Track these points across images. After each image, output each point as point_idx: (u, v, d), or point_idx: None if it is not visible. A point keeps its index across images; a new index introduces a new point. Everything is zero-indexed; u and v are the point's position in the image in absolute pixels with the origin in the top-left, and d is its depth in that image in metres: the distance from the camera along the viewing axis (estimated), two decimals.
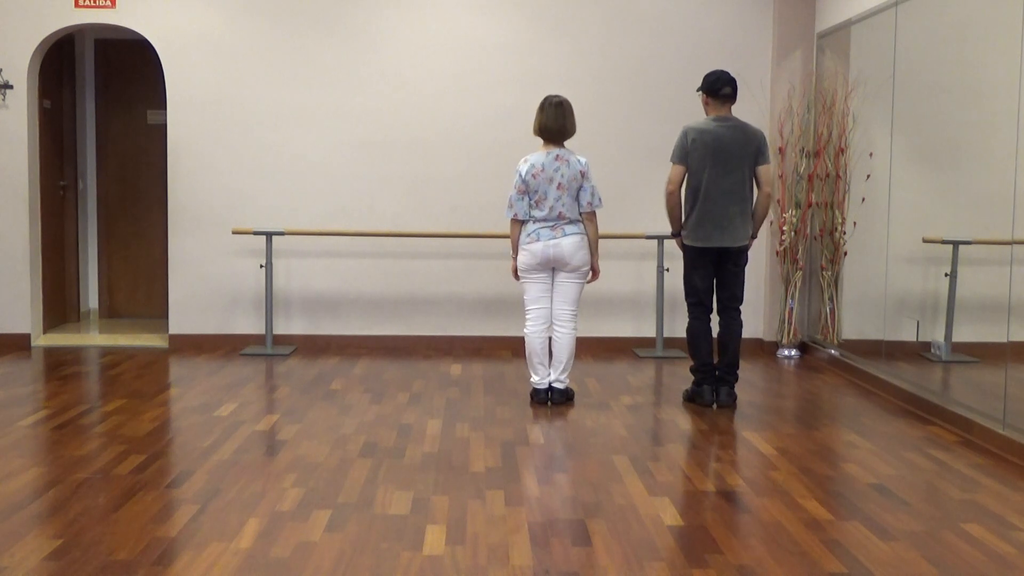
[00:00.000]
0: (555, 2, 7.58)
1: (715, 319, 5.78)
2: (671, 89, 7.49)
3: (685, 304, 5.83)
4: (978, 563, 3.39)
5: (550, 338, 5.72)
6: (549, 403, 5.71)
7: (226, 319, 7.66)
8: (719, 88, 5.60)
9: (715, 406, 5.69)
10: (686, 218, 5.67)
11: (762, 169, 5.61)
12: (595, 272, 5.74)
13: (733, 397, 5.71)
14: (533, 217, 5.57)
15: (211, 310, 7.65)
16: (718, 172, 5.54)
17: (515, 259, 5.69)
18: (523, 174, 5.53)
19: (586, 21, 7.59)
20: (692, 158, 5.57)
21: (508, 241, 5.84)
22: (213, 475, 4.28)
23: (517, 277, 5.73)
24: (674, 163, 5.61)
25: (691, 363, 5.81)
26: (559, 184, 5.51)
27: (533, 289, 5.67)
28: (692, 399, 5.76)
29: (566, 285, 5.66)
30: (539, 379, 5.71)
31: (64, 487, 4.09)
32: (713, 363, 5.72)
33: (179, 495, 4.02)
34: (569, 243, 5.55)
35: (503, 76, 7.58)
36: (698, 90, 5.74)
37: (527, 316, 5.70)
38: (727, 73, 5.64)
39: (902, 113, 6.14)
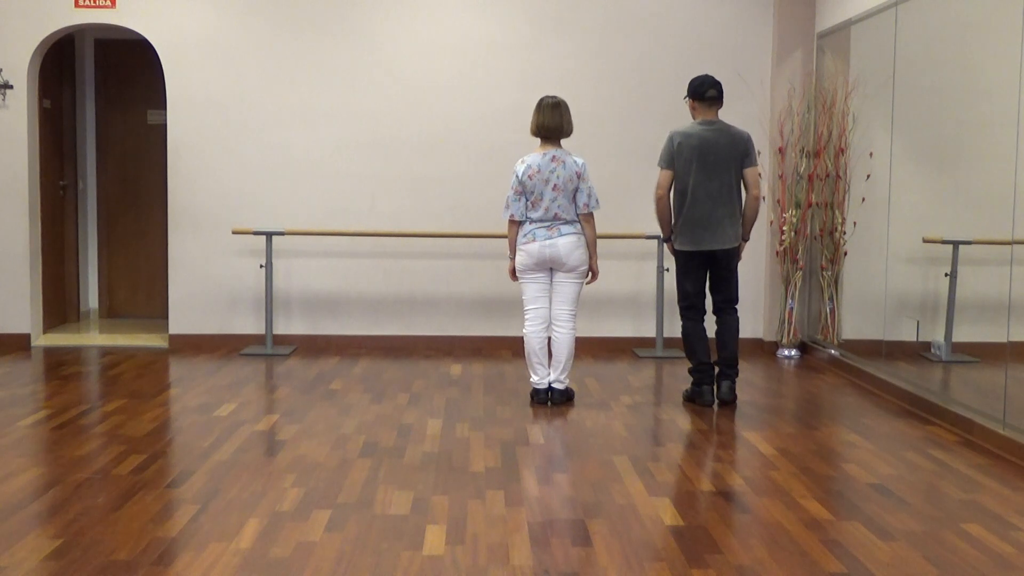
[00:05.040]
0: (555, 2, 7.58)
1: (709, 318, 5.79)
2: (671, 89, 7.48)
3: (680, 304, 5.81)
4: (978, 563, 3.39)
5: (549, 338, 5.72)
6: (549, 403, 5.71)
7: (226, 319, 7.66)
8: (704, 91, 5.63)
9: (716, 401, 5.70)
10: (674, 222, 5.70)
11: (749, 172, 5.63)
12: (594, 273, 5.75)
13: (734, 392, 5.72)
14: (530, 218, 5.58)
15: (211, 310, 7.65)
16: (705, 175, 5.56)
17: (512, 260, 5.69)
18: (519, 175, 5.54)
19: (586, 21, 7.59)
20: (678, 162, 5.60)
21: (508, 244, 5.83)
22: (213, 475, 4.28)
23: (515, 278, 5.73)
24: (661, 168, 5.65)
25: (689, 364, 5.81)
26: (555, 185, 5.51)
27: (531, 289, 5.67)
28: (692, 399, 5.76)
29: (564, 286, 5.67)
30: (538, 379, 5.71)
31: (64, 487, 4.09)
32: (711, 362, 5.72)
33: (179, 495, 4.02)
34: (565, 243, 5.55)
35: (503, 76, 7.58)
36: (685, 98, 5.80)
37: (526, 316, 5.70)
38: (711, 76, 5.71)
39: (902, 113, 6.14)
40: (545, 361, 5.71)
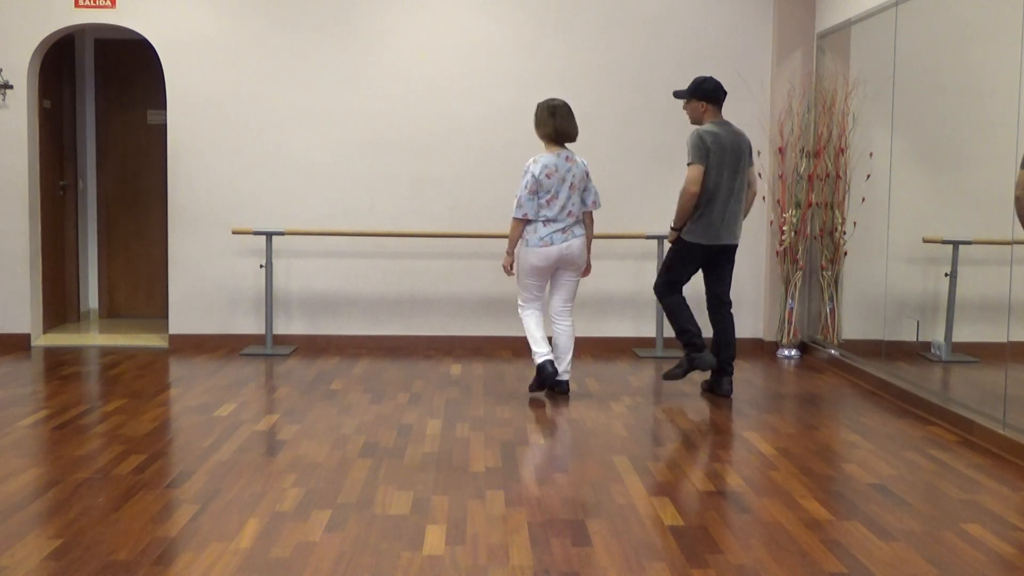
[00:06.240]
0: (555, 2, 7.58)
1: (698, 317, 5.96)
2: (671, 89, 7.46)
3: (665, 288, 5.91)
4: (978, 563, 3.39)
5: (547, 336, 5.87)
6: (549, 392, 5.88)
7: (226, 319, 7.66)
8: (719, 94, 5.82)
9: (703, 394, 5.86)
10: (693, 217, 5.76)
11: (751, 171, 5.90)
12: (588, 268, 5.93)
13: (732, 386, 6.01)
14: (544, 217, 5.67)
15: (211, 310, 7.65)
16: (727, 174, 5.74)
17: (511, 255, 5.80)
18: (536, 174, 5.63)
19: (586, 21, 7.59)
20: (710, 160, 5.71)
21: (508, 241, 5.86)
22: (213, 475, 4.28)
23: (510, 272, 5.85)
24: (696, 164, 5.70)
25: (680, 334, 5.88)
26: (571, 184, 5.68)
27: (535, 288, 5.84)
28: (699, 364, 5.82)
29: (568, 283, 5.87)
30: (545, 351, 5.79)
31: (64, 487, 4.09)
32: (696, 327, 5.86)
33: (179, 495, 4.02)
34: (578, 244, 5.77)
35: (503, 76, 7.58)
36: (684, 98, 5.89)
37: (526, 306, 5.89)
38: (716, 78, 5.90)
39: (902, 113, 6.14)
40: (545, 334, 5.86)
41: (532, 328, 5.83)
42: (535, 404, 5.74)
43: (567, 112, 5.73)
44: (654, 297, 7.51)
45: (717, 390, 5.92)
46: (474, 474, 4.35)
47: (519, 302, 5.91)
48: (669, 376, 6.01)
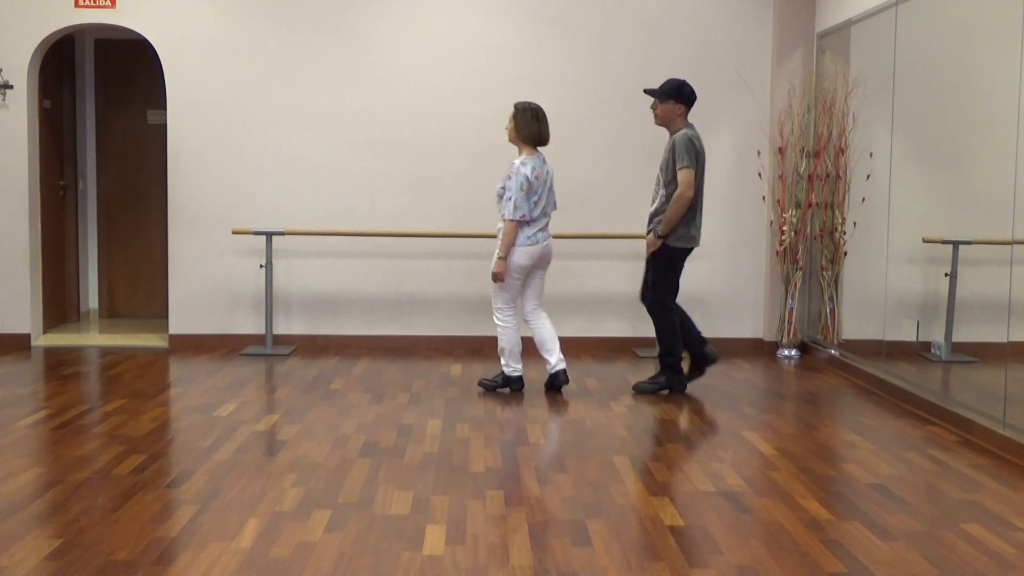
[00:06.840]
0: (555, 3, 7.58)
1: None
2: None
3: (663, 306, 5.99)
4: (978, 563, 3.39)
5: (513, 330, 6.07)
6: (550, 393, 5.87)
7: (226, 319, 7.66)
8: (695, 98, 5.89)
9: (692, 378, 6.06)
10: (684, 222, 5.79)
11: None
12: None
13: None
14: (532, 217, 5.76)
15: (211, 310, 7.65)
16: (702, 177, 5.85)
17: (505, 259, 5.80)
18: (529, 176, 5.72)
19: (585, 22, 7.59)
20: (697, 164, 5.76)
21: (502, 245, 5.87)
22: (213, 475, 4.28)
23: (502, 279, 5.83)
24: (690, 168, 5.74)
25: (665, 355, 6.00)
26: (550, 186, 5.86)
27: (516, 287, 5.95)
28: (675, 384, 6.01)
29: (539, 282, 6.04)
30: (521, 367, 6.01)
31: (64, 487, 4.09)
32: (681, 350, 6.06)
33: (179, 495, 4.02)
34: (551, 243, 5.99)
35: (502, 76, 7.57)
36: (659, 97, 5.87)
37: (508, 312, 5.96)
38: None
39: (902, 113, 6.14)
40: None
41: (514, 344, 5.95)
42: (535, 404, 5.75)
43: (545, 116, 5.86)
44: None
45: (706, 361, 6.01)
46: (474, 474, 4.35)
47: (497, 305, 5.95)
48: (641, 390, 6.04)
